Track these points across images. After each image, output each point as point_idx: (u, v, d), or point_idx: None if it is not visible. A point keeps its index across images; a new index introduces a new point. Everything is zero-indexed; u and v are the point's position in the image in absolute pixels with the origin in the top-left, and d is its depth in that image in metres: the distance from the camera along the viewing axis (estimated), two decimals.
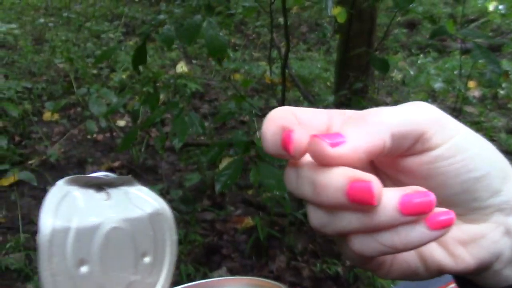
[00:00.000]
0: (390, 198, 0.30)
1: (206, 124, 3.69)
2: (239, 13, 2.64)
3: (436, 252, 0.37)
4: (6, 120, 3.73)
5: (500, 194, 0.34)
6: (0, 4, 7.86)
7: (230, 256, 2.28)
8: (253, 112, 2.47)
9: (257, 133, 3.21)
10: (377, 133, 0.32)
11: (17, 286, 2.16)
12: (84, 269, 0.29)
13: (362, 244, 0.32)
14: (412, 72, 3.86)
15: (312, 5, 4.86)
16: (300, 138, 0.31)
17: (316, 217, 0.33)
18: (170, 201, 2.71)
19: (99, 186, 0.32)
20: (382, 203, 0.30)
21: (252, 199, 2.63)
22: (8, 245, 2.35)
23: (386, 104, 4.07)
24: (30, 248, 2.38)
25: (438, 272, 0.37)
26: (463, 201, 0.35)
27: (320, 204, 0.32)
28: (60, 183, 0.30)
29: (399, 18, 6.70)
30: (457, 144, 0.34)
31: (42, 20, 6.62)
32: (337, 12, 1.88)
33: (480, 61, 2.14)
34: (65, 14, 7.00)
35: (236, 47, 5.76)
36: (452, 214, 0.31)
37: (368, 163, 0.38)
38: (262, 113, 2.71)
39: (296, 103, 3.92)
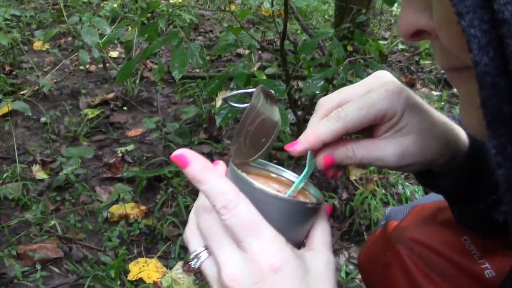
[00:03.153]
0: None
1: None
2: None
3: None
4: None
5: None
6: None
7: None
8: (252, 44, 2.41)
9: (256, 66, 3.16)
10: (316, 138, 0.61)
11: (15, 215, 2.17)
12: (249, 127, 0.58)
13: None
14: None
15: None
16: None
17: None
18: (166, 134, 2.70)
19: (269, 96, 0.60)
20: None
21: None
22: (4, 175, 2.35)
23: (384, 39, 4.00)
24: (27, 178, 2.38)
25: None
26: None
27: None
28: (259, 86, 0.58)
29: None
30: (395, 125, 0.61)
31: None
32: None
33: None
34: None
35: None
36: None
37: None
38: (260, 46, 2.65)
39: (294, 35, 3.83)
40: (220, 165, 0.61)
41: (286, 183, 0.64)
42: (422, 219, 0.84)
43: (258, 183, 0.54)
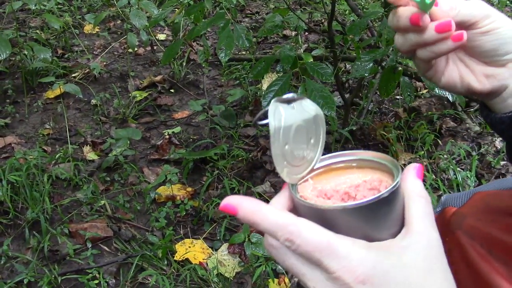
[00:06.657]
0: (430, 23, 0.63)
1: None
2: None
3: (470, 77, 0.69)
4: (48, 32, 3.73)
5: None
6: None
7: (274, 171, 2.29)
8: (299, 25, 2.37)
9: (303, 47, 3.12)
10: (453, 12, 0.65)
11: (67, 194, 2.23)
12: (286, 147, 0.54)
13: (422, 53, 0.66)
14: None
15: None
16: None
17: (398, 41, 0.66)
18: (212, 116, 2.71)
19: (288, 101, 0.55)
20: (426, 27, 0.63)
21: None
22: (57, 156, 2.42)
23: None
24: (78, 159, 2.45)
25: (467, 89, 0.70)
26: (492, 55, 0.67)
27: (400, 29, 0.64)
28: (273, 101, 0.54)
29: None
30: (491, 26, 0.65)
31: None
32: None
33: None
34: None
35: None
36: (463, 33, 0.63)
37: None
38: (307, 27, 2.60)
39: (342, 16, 3.75)
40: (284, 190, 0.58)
41: (362, 167, 0.59)
42: (484, 206, 0.81)
43: (321, 204, 0.52)
